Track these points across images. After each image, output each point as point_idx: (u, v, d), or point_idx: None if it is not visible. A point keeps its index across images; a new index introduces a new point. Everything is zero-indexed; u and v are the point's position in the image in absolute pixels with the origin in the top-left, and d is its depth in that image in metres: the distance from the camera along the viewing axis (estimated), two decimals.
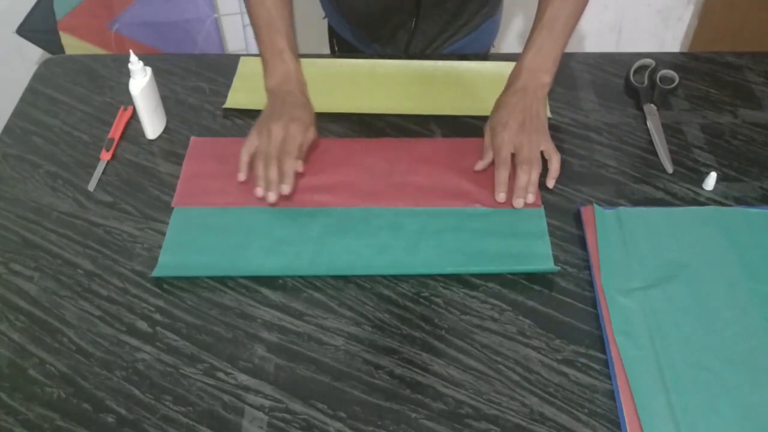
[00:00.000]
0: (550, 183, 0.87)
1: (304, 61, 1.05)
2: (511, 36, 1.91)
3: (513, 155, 0.86)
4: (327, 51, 1.31)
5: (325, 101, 0.99)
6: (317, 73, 1.03)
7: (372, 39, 1.16)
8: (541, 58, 0.89)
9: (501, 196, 0.85)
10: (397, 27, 1.12)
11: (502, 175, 0.85)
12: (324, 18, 1.25)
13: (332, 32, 1.26)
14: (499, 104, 0.90)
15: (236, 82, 1.03)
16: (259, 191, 0.83)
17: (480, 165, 0.89)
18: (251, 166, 0.85)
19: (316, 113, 0.90)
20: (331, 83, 1.02)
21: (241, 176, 0.86)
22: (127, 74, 0.90)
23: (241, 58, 1.07)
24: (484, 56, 1.09)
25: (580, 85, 1.04)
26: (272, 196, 0.82)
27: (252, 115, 0.98)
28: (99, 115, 0.99)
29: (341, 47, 1.25)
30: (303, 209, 0.85)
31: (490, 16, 1.16)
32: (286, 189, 0.82)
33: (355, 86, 1.02)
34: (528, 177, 0.84)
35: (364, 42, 1.18)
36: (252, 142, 0.86)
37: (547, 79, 0.89)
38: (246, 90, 1.01)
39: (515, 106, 0.87)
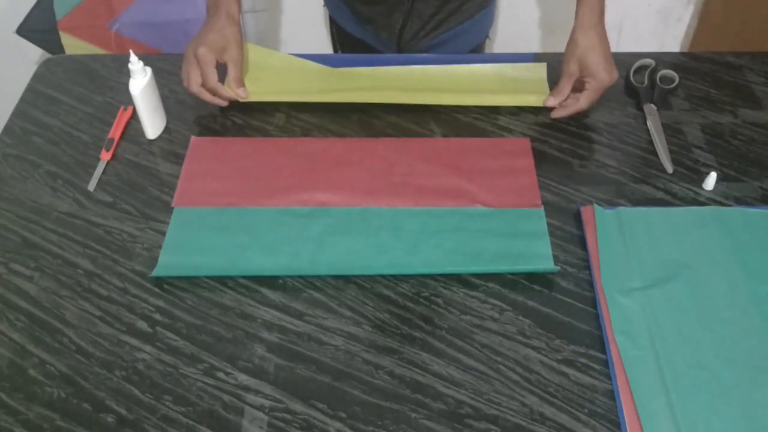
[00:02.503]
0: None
1: (296, 60, 1.04)
2: (506, 31, 1.92)
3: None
4: (326, 39, 1.34)
5: (318, 90, 0.99)
6: (307, 72, 1.03)
7: (367, 20, 1.18)
8: None
9: (551, 100, 0.96)
10: (393, 7, 1.14)
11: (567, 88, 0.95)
12: (323, 6, 1.28)
13: (332, 20, 1.29)
14: (578, 41, 0.94)
15: None
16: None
17: (553, 100, 0.96)
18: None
19: (322, 102, 0.97)
20: (325, 78, 1.02)
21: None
22: (127, 74, 0.90)
23: None
24: (480, 46, 1.09)
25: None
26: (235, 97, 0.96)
27: (252, 115, 0.98)
28: (99, 115, 0.99)
29: (339, 34, 1.28)
30: (303, 209, 0.85)
31: (483, 7, 1.18)
32: (242, 93, 0.97)
33: (351, 80, 1.02)
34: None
35: (359, 23, 1.20)
36: (184, 68, 0.94)
37: (603, 15, 0.96)
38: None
39: (599, 43, 0.94)
